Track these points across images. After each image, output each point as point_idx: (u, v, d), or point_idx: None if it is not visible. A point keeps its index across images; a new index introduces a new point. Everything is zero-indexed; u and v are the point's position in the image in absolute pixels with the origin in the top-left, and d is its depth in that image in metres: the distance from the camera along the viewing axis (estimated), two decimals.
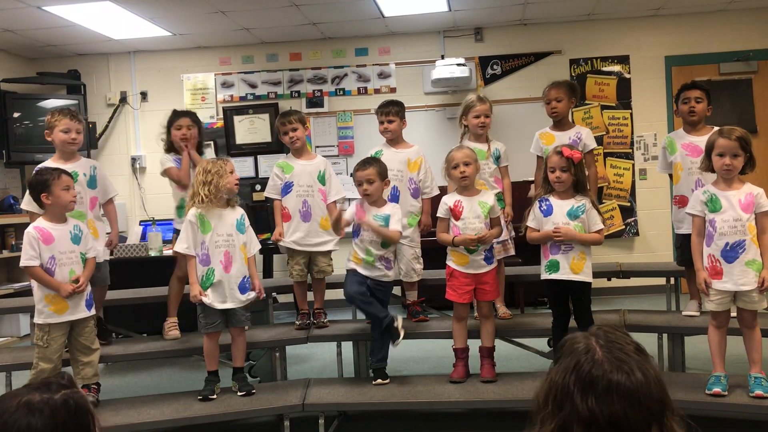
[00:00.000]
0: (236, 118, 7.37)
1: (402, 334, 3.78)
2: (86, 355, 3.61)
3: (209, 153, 4.43)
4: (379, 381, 3.76)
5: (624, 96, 7.05)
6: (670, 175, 4.22)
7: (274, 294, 4.94)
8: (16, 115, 6.82)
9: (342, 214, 3.83)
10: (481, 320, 3.79)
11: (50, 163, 3.81)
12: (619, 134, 7.05)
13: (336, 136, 7.31)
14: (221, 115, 7.40)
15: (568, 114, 4.31)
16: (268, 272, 6.72)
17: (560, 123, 4.24)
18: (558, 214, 3.53)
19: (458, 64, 6.77)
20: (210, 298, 3.59)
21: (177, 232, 4.01)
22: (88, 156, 6.27)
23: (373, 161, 3.83)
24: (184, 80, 7.47)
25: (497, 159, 4.16)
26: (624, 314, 4.16)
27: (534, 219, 3.62)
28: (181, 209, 4.16)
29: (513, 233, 4.23)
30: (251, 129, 7.36)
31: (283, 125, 4.16)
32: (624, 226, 7.04)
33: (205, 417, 3.51)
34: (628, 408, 1.19)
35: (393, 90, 7.24)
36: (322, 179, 4.16)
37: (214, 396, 3.66)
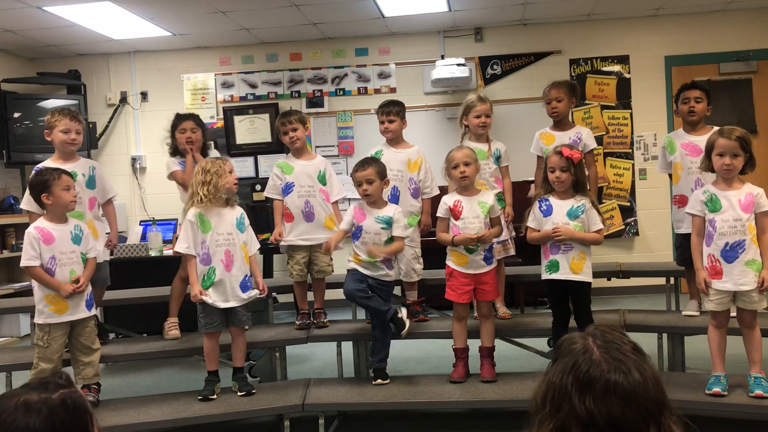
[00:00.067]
0: (236, 118, 7.37)
1: (408, 323, 3.79)
2: (87, 355, 3.62)
3: (213, 153, 4.43)
4: (380, 381, 3.77)
5: (624, 96, 7.05)
6: (670, 175, 4.22)
7: (274, 294, 4.94)
8: (16, 115, 6.82)
9: (333, 241, 3.82)
10: (481, 320, 3.79)
11: (49, 163, 3.82)
12: (619, 134, 7.05)
13: (336, 136, 7.31)
14: (221, 115, 7.40)
15: (569, 114, 4.31)
16: (268, 272, 6.72)
17: (560, 123, 4.24)
18: (558, 214, 3.53)
19: (458, 64, 6.77)
20: (212, 298, 3.59)
21: None
22: (88, 156, 6.27)
23: (372, 161, 3.82)
24: (184, 80, 7.47)
25: (498, 159, 4.16)
26: (624, 314, 4.16)
27: (534, 219, 3.62)
28: None
29: (513, 233, 4.23)
30: (251, 129, 7.36)
31: (283, 125, 4.16)
32: (624, 226, 7.04)
33: (205, 417, 3.51)
34: (626, 408, 1.19)
35: (393, 90, 7.24)
36: (322, 179, 4.17)
37: (214, 396, 3.66)
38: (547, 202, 3.58)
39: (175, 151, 4.30)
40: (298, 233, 4.10)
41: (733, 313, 3.33)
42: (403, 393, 3.66)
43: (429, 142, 6.06)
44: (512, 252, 4.18)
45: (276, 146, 7.05)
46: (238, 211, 3.75)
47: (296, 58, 7.39)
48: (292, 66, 7.39)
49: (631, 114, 7.04)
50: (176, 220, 6.22)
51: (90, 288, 3.60)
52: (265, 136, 7.33)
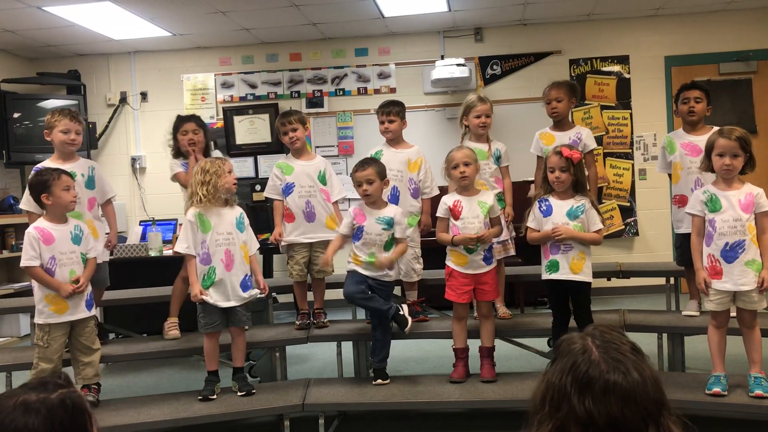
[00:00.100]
0: (236, 119, 7.37)
1: (410, 320, 3.80)
2: (87, 356, 3.62)
3: (216, 154, 4.43)
4: (380, 381, 3.76)
5: (624, 96, 7.05)
6: (670, 175, 4.22)
7: (274, 294, 4.94)
8: (16, 115, 6.82)
9: (330, 255, 3.83)
10: (481, 320, 3.79)
11: (48, 163, 3.82)
12: (619, 134, 7.04)
13: (336, 137, 7.31)
14: (221, 116, 7.40)
15: (569, 114, 4.31)
16: (268, 272, 6.71)
17: (560, 123, 4.24)
18: (557, 215, 3.53)
19: (458, 65, 6.77)
20: (213, 298, 3.60)
21: None
22: (88, 156, 6.28)
23: (372, 161, 3.82)
24: (184, 80, 7.47)
25: (498, 159, 4.16)
26: (624, 314, 4.16)
27: (534, 219, 3.62)
28: None
29: (513, 233, 4.23)
30: (251, 129, 7.36)
31: (283, 125, 4.16)
32: (624, 226, 7.04)
33: (205, 417, 3.51)
34: (625, 408, 1.19)
35: (393, 90, 7.24)
36: (322, 179, 4.17)
37: (214, 396, 3.66)
38: (547, 203, 3.58)
39: (178, 152, 4.31)
40: (299, 233, 4.11)
41: (733, 313, 3.33)
42: (403, 393, 3.66)
43: (429, 142, 6.06)
44: (512, 252, 4.18)
45: (276, 146, 7.05)
46: (238, 211, 3.75)
47: (296, 58, 7.39)
48: (292, 66, 7.39)
49: (630, 114, 7.04)
50: (176, 220, 6.23)
51: (90, 288, 3.60)
52: (264, 136, 7.33)
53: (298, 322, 4.21)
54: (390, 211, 3.79)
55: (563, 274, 3.51)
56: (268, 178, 4.29)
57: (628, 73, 7.05)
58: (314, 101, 7.34)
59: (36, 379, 1.35)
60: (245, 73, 7.42)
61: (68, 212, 3.56)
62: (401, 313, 3.77)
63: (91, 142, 7.04)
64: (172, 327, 4.25)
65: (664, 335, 4.02)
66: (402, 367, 4.68)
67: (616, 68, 7.06)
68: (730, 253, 3.21)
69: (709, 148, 3.30)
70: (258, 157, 7.37)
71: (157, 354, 4.17)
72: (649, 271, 5.08)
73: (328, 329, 4.18)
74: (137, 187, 7.48)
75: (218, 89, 7.44)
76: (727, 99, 6.81)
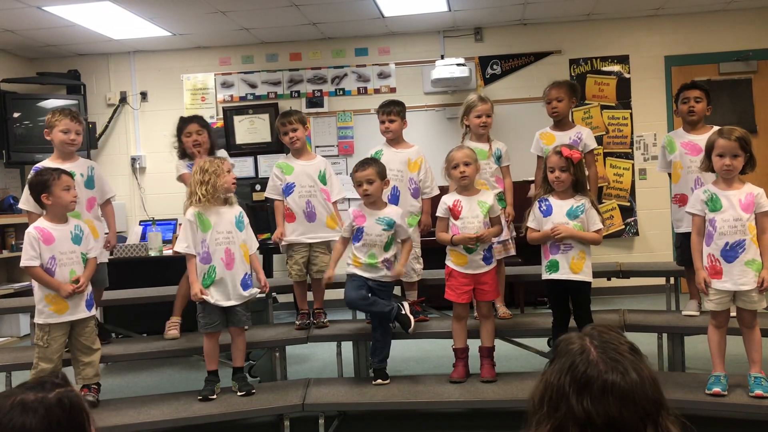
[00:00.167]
0: (236, 118, 7.37)
1: (413, 319, 3.81)
2: (87, 355, 3.62)
3: (221, 154, 4.43)
4: (380, 381, 3.76)
5: (624, 96, 7.04)
6: (669, 174, 4.22)
7: (274, 294, 4.94)
8: (16, 115, 6.82)
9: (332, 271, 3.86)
10: (481, 320, 3.79)
11: (48, 162, 3.82)
12: (619, 134, 7.04)
13: (336, 136, 7.31)
14: (221, 115, 7.40)
15: (569, 114, 4.31)
16: (268, 272, 6.71)
17: (561, 123, 4.24)
18: (557, 214, 3.53)
19: (458, 64, 6.77)
20: (213, 297, 3.60)
21: None
22: (88, 156, 6.28)
23: (372, 161, 3.82)
24: (184, 80, 7.47)
25: (498, 159, 4.16)
26: (624, 314, 4.15)
27: (534, 219, 3.62)
28: None
29: (514, 233, 4.23)
30: (251, 129, 7.36)
31: (283, 125, 4.16)
32: (624, 226, 7.04)
33: (205, 417, 3.51)
34: (623, 408, 1.19)
35: (393, 90, 7.24)
36: (323, 179, 4.17)
37: (214, 396, 3.66)
38: (547, 202, 3.58)
39: (184, 153, 4.31)
40: (300, 233, 4.11)
41: (733, 313, 3.33)
42: (403, 393, 3.66)
43: (429, 142, 6.06)
44: (512, 252, 4.17)
45: (276, 146, 7.05)
46: (237, 210, 3.75)
47: (296, 58, 7.39)
48: (291, 66, 7.38)
49: (630, 114, 7.03)
50: (176, 220, 6.23)
51: (90, 288, 3.60)
52: (264, 136, 7.33)
53: (298, 322, 4.21)
54: (390, 211, 3.79)
55: (563, 274, 3.51)
56: (267, 178, 4.29)
57: (628, 72, 7.05)
58: (314, 101, 7.34)
59: (34, 378, 1.35)
60: (245, 72, 7.42)
61: (68, 212, 3.56)
62: (403, 312, 3.77)
63: (91, 142, 7.04)
64: (171, 327, 4.26)
65: (664, 335, 4.02)
66: (402, 367, 4.68)
67: (616, 68, 7.05)
68: (730, 252, 3.20)
69: (709, 148, 3.30)
70: (258, 157, 7.36)
71: (157, 354, 4.17)
72: (649, 271, 5.08)
73: (328, 329, 4.18)
74: (137, 187, 7.48)
75: (218, 89, 7.44)
76: (727, 99, 6.81)
